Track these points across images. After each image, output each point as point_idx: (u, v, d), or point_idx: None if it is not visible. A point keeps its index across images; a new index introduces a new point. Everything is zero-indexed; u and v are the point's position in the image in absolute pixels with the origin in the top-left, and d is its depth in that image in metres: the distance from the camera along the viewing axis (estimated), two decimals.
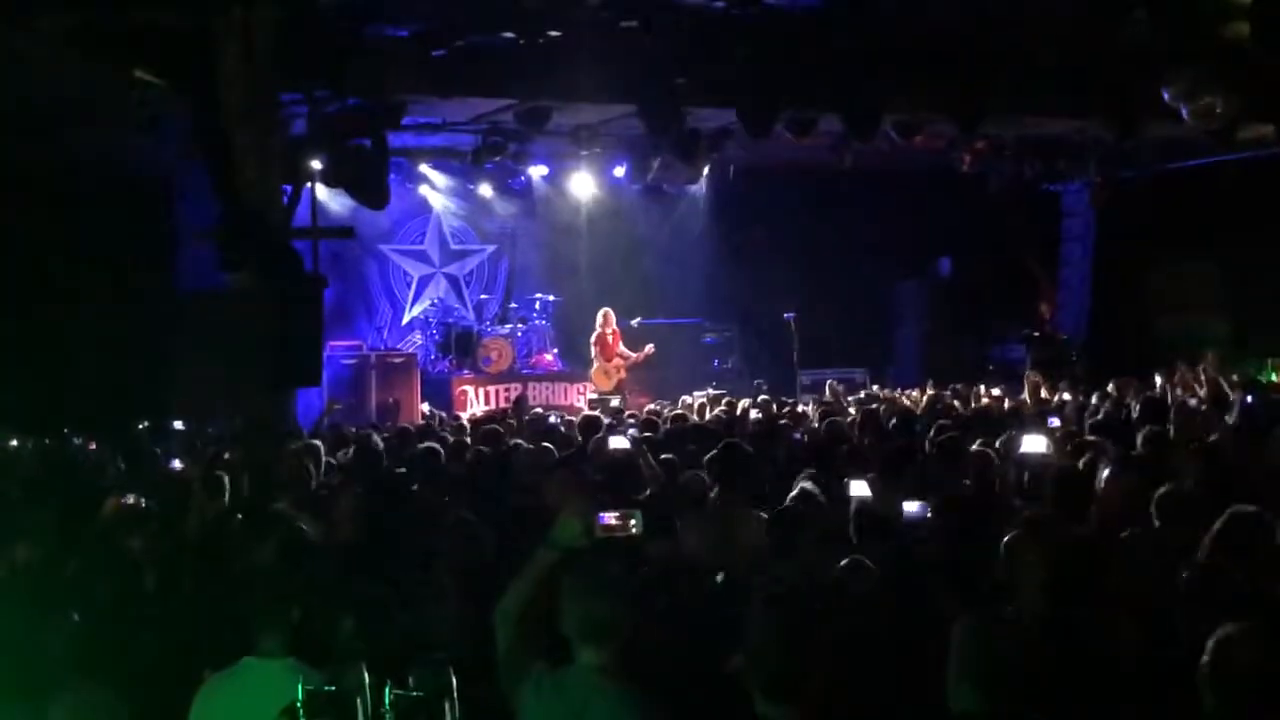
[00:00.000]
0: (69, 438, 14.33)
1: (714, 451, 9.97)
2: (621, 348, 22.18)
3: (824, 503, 8.37)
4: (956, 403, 16.85)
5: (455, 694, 4.81)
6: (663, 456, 11.01)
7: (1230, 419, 12.82)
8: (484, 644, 5.79)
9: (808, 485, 8.54)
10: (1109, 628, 5.78)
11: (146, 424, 15.29)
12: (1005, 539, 6.47)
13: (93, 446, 13.75)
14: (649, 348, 22.07)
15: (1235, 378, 17.18)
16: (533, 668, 5.08)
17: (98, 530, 8.32)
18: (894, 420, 13.53)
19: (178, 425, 15.07)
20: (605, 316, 22.23)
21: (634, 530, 5.12)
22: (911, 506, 7.52)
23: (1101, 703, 5.43)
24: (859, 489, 7.94)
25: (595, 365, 22.19)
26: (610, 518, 5.09)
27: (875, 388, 21.40)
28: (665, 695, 5.08)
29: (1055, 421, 13.22)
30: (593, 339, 22.18)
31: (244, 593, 5.96)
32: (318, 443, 11.96)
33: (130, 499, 8.78)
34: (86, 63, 13.89)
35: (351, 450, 12.70)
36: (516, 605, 5.18)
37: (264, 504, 8.97)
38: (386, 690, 4.70)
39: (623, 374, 22.08)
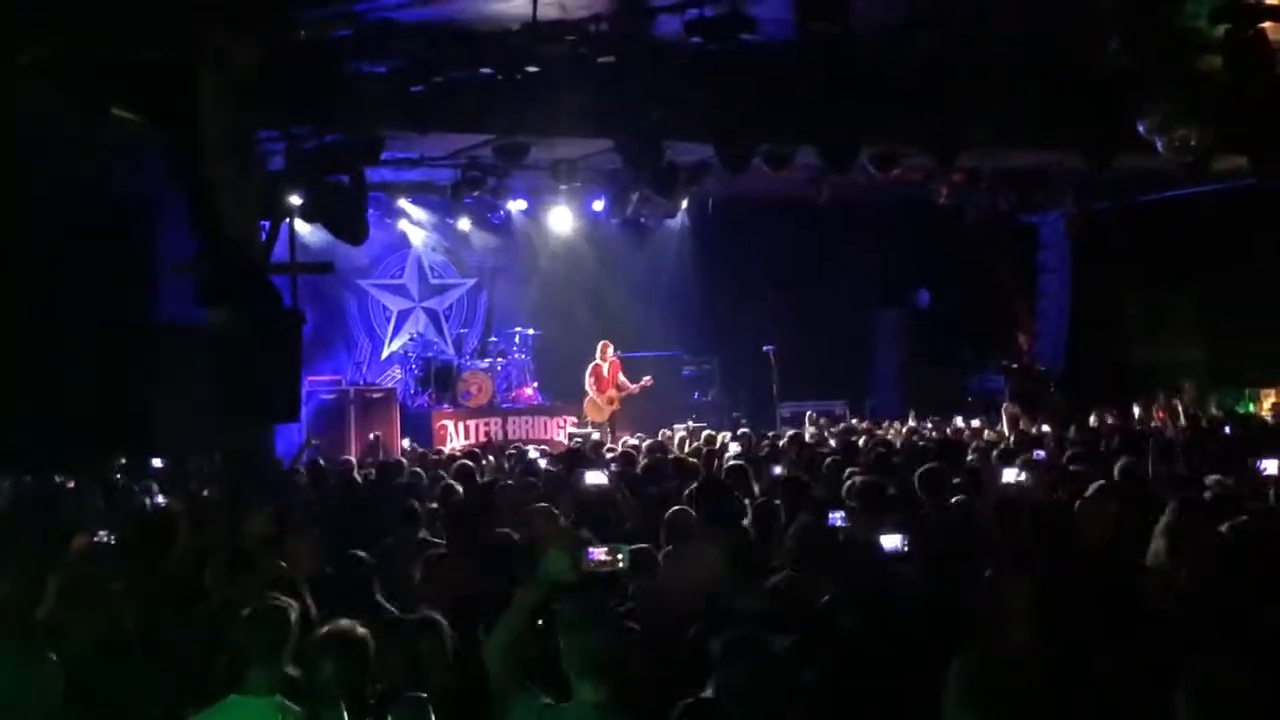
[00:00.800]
0: (46, 474, 14.25)
1: (694, 486, 10.00)
2: (621, 378, 22.18)
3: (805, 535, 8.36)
4: (934, 434, 16.91)
5: None
6: (643, 491, 11.03)
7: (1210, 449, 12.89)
8: (465, 680, 5.79)
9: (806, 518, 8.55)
10: (1099, 657, 5.79)
11: (124, 460, 15.23)
12: (989, 574, 6.48)
13: (71, 484, 13.69)
14: (646, 379, 22.10)
15: (1214, 409, 17.28)
16: (532, 704, 5.07)
17: (68, 567, 8.24)
18: (874, 453, 13.57)
19: (156, 462, 15.03)
20: (604, 348, 22.23)
21: (621, 565, 5.13)
22: (891, 540, 7.52)
23: None
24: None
25: (589, 396, 22.16)
26: (598, 553, 5.10)
27: (855, 421, 21.47)
28: None
29: (1040, 454, 13.26)
30: (588, 370, 22.17)
31: (229, 631, 5.93)
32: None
33: (100, 535, 8.75)
34: (66, 97, 13.88)
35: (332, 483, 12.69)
36: (505, 641, 5.18)
37: (243, 542, 8.91)
38: None
39: (616, 405, 22.07)
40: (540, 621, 5.20)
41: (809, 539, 8.10)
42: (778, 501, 9.74)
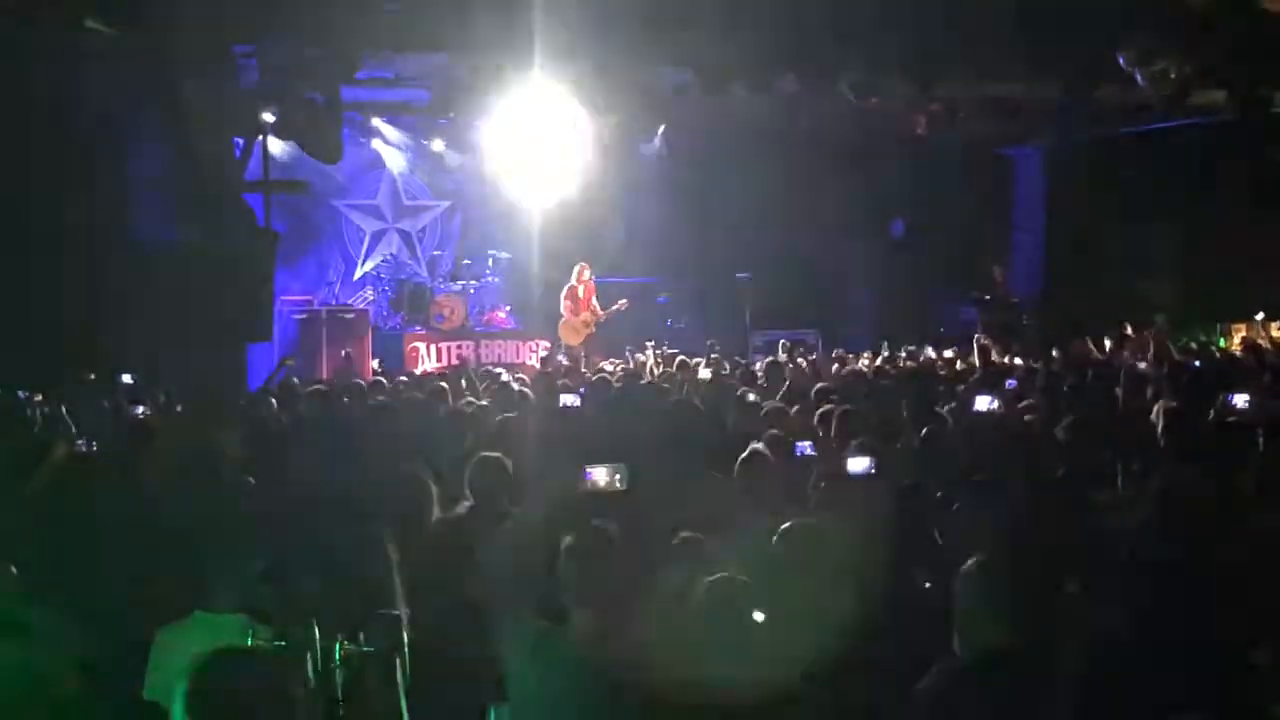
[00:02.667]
0: (12, 390, 14.16)
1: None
2: (595, 302, 22.11)
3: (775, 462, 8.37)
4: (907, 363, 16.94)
5: (407, 649, 4.80)
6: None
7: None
8: (432, 599, 5.78)
9: (759, 446, 8.51)
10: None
11: (93, 376, 15.14)
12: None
13: (39, 398, 13.59)
14: (622, 302, 22.03)
15: (1193, 345, 17.34)
16: (528, 625, 5.06)
17: (46, 479, 8.21)
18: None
19: (126, 379, 14.94)
20: (580, 270, 22.13)
21: (619, 486, 5.11)
22: (859, 462, 7.53)
23: None
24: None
25: (564, 319, 22.07)
26: (596, 474, 5.07)
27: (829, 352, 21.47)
28: None
29: (1011, 383, 13.31)
30: (564, 292, 22.08)
31: (198, 544, 5.92)
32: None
33: (81, 445, 8.73)
34: (37, 9, 13.71)
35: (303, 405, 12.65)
36: (501, 563, 5.16)
37: (214, 457, 8.89)
38: (338, 646, 4.69)
39: (591, 329, 21.99)
40: (541, 543, 5.18)
41: None
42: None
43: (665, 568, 5.65)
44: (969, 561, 4.99)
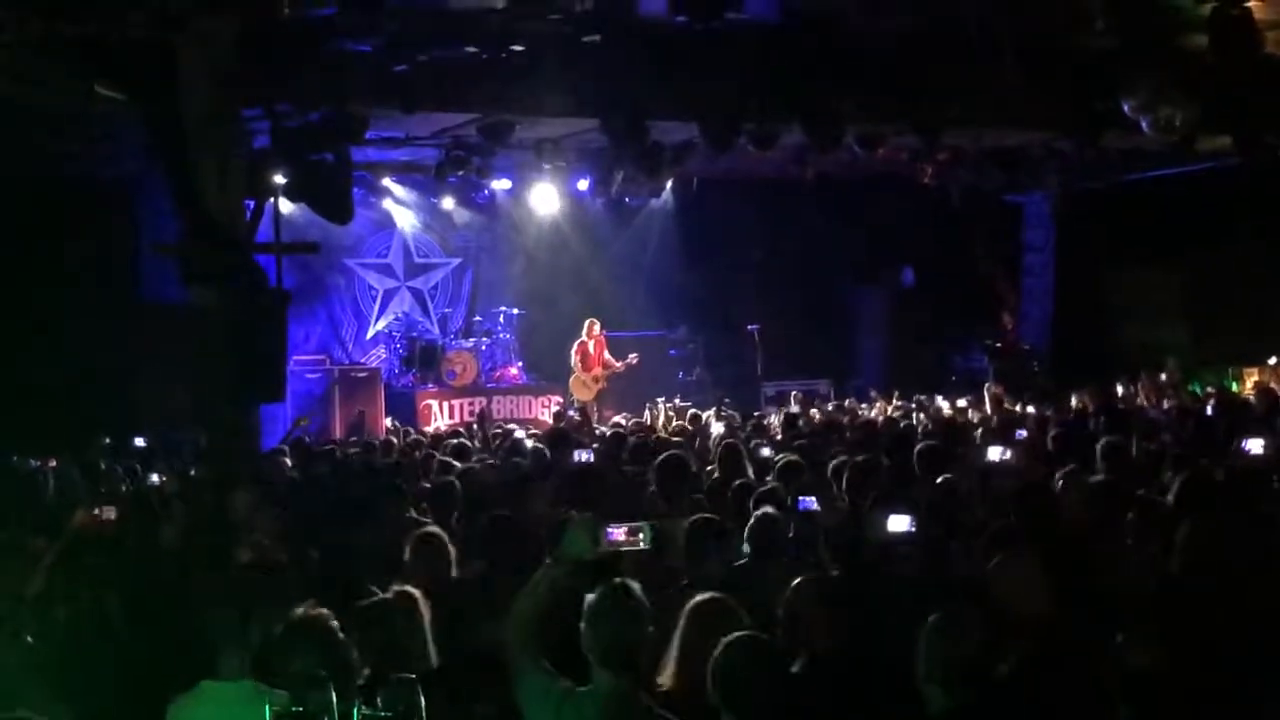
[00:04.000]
0: (24, 456, 14.19)
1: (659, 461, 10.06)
2: (607, 355, 22.19)
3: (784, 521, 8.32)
4: (920, 415, 16.91)
5: (424, 713, 4.79)
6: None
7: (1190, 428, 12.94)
8: (453, 661, 5.77)
9: (768, 509, 8.43)
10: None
11: (108, 440, 15.19)
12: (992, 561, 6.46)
13: (53, 464, 13.63)
14: (633, 357, 22.11)
15: (1209, 389, 17.31)
16: (549, 686, 5.05)
17: (64, 545, 8.20)
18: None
19: (139, 442, 14.98)
20: (590, 326, 22.28)
21: (642, 545, 5.09)
22: (899, 522, 7.37)
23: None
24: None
25: (574, 375, 22.17)
26: (619, 532, 5.06)
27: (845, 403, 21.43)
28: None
29: (1022, 434, 13.28)
30: (574, 348, 22.18)
31: (206, 610, 5.90)
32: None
33: (99, 511, 8.72)
34: (46, 74, 13.80)
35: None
36: (526, 619, 5.15)
37: (229, 522, 8.91)
38: (355, 710, 4.67)
39: (603, 385, 22.07)
40: (562, 602, 5.17)
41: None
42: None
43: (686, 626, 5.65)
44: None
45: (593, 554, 5.06)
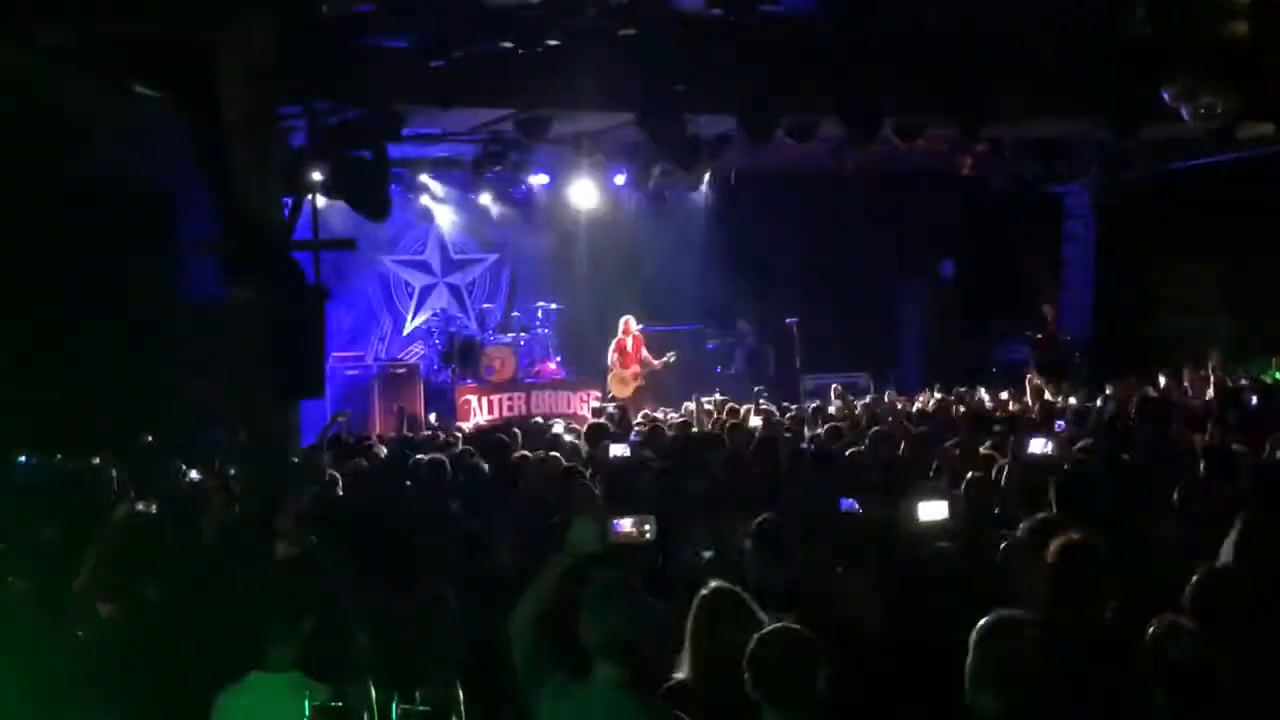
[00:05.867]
0: (72, 453, 14.31)
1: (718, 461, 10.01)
2: (645, 353, 22.23)
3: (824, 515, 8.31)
4: (960, 408, 16.86)
5: (462, 707, 4.81)
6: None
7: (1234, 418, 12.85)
8: (492, 657, 5.79)
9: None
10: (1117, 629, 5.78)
11: (150, 439, 15.28)
12: (1008, 544, 6.46)
13: (97, 461, 13.72)
14: (670, 355, 22.16)
15: (1243, 380, 17.19)
16: (551, 678, 5.08)
17: (108, 540, 8.25)
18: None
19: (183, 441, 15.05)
20: (626, 324, 22.34)
21: (648, 537, 5.12)
22: (935, 510, 7.33)
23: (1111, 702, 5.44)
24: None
25: (612, 372, 22.22)
26: (624, 525, 5.08)
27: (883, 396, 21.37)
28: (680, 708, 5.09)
29: (1061, 425, 13.22)
30: (612, 345, 22.23)
31: (253, 604, 5.93)
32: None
33: (142, 506, 8.79)
34: (86, 78, 13.90)
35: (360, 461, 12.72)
36: (532, 613, 5.18)
37: (270, 517, 8.94)
38: (394, 704, 4.69)
39: (640, 381, 22.11)
40: (568, 594, 5.19)
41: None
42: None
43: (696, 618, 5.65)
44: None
45: (600, 547, 5.07)
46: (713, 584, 5.79)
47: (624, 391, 22.00)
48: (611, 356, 22.23)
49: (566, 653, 5.12)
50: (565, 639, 5.13)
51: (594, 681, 4.98)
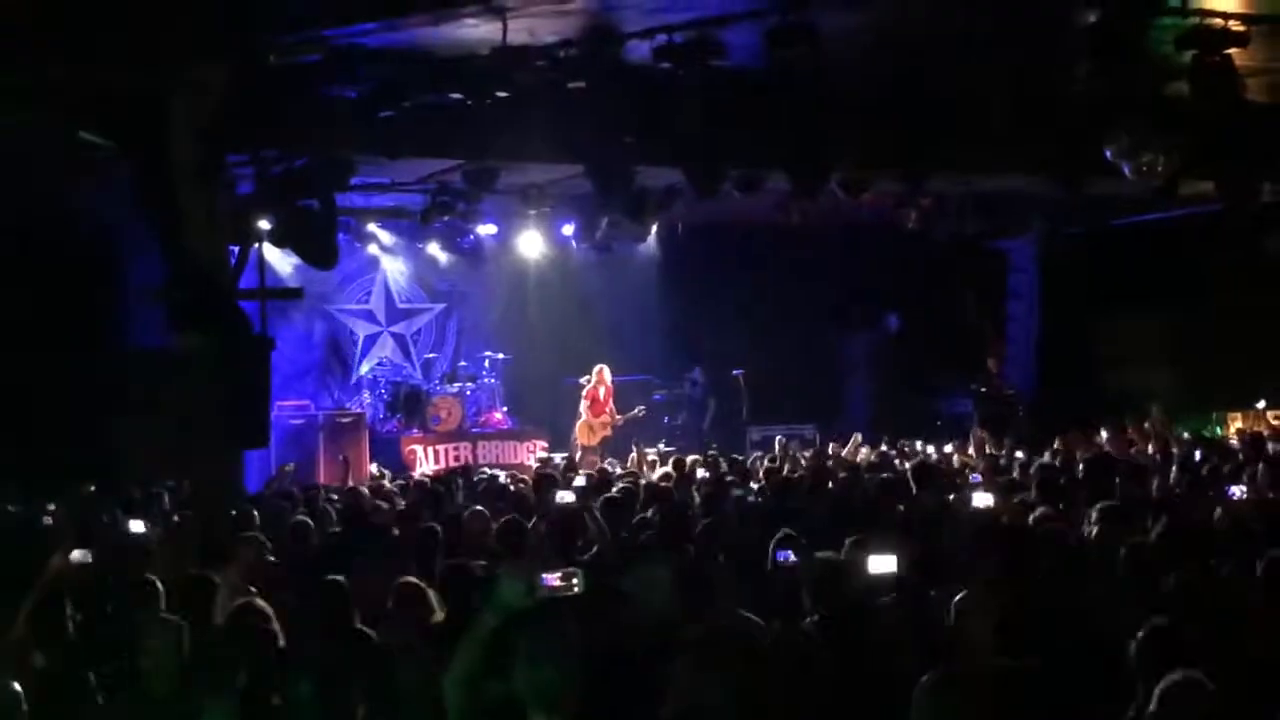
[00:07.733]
0: (13, 500, 14.13)
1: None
2: (611, 405, 22.22)
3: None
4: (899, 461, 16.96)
5: None
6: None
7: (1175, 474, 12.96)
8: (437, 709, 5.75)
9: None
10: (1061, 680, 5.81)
11: (93, 488, 15.11)
12: (957, 600, 6.49)
13: (51, 507, 13.51)
14: (640, 408, 22.19)
15: (1185, 435, 17.35)
16: None
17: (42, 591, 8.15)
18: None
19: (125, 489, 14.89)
20: (600, 372, 22.30)
21: (576, 590, 5.10)
22: (883, 563, 7.32)
23: None
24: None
25: (582, 419, 22.16)
26: (553, 578, 5.07)
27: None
28: None
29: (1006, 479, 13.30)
30: (584, 393, 22.20)
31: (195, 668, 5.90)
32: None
33: (78, 555, 8.71)
34: (34, 122, 13.84)
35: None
36: (463, 670, 5.15)
37: (213, 570, 8.87)
38: None
39: (609, 432, 22.09)
40: (497, 651, 5.17)
41: None
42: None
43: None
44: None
45: (527, 601, 5.06)
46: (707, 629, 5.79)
47: (590, 440, 21.98)
48: (583, 404, 22.21)
49: (500, 709, 5.09)
50: (497, 694, 5.10)
51: None
